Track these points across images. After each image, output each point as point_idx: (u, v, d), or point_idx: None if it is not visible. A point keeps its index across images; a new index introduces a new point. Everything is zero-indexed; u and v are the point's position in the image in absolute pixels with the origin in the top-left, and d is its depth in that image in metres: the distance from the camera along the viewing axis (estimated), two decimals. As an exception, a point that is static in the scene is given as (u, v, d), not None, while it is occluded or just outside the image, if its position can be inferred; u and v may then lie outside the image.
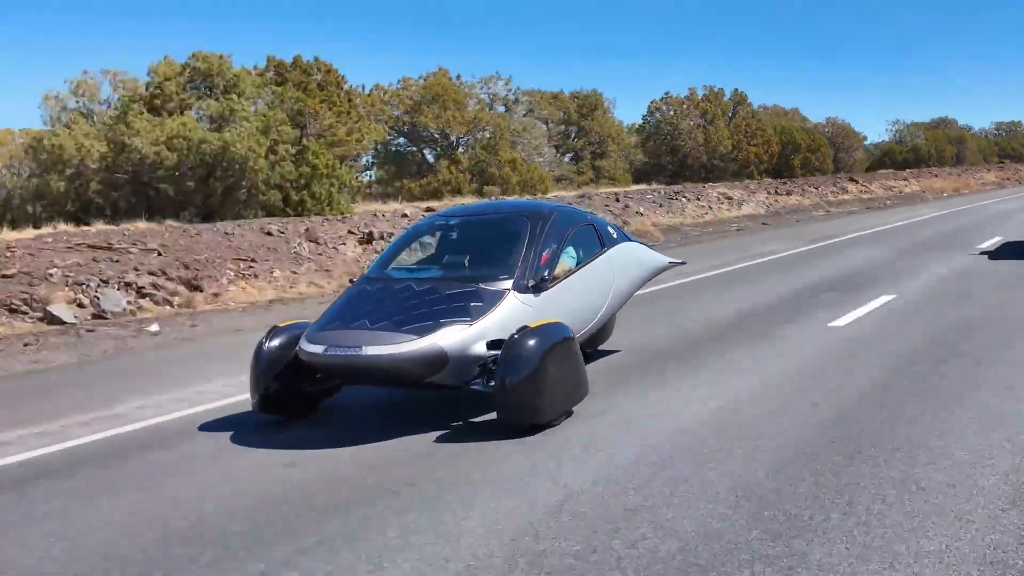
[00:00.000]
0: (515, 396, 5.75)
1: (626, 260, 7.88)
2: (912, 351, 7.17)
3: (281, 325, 6.74)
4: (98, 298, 11.09)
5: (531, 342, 5.84)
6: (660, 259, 8.60)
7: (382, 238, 16.46)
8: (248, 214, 18.32)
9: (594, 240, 7.57)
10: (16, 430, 6.32)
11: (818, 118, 59.80)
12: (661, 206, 26.09)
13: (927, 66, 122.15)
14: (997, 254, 14.07)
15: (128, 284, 11.62)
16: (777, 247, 17.89)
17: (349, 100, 21.77)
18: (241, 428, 6.21)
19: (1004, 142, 78.74)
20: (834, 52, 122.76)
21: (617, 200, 25.27)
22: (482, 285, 6.41)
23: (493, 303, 6.27)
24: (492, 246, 7.12)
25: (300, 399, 6.53)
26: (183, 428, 6.25)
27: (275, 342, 6.49)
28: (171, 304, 11.64)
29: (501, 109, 32.31)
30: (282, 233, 15.43)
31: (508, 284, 6.43)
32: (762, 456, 4.77)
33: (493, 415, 5.98)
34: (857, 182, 41.07)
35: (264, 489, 4.87)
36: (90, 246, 12.74)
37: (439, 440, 5.73)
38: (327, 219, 17.29)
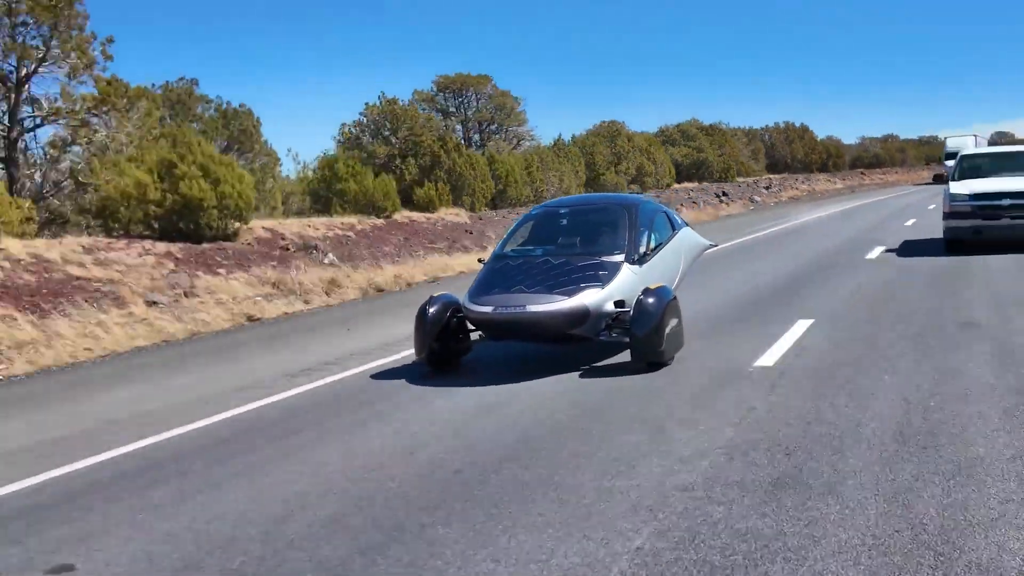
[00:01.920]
0: (645, 340, 7.67)
1: (688, 241, 10.08)
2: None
3: (435, 295, 8.61)
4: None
5: (653, 300, 7.77)
6: (705, 241, 10.90)
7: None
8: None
9: (667, 225, 9.57)
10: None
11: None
12: (806, 182, 62.01)
13: (872, 90, 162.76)
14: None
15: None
16: (885, 195, 52.49)
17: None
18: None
19: (928, 150, 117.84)
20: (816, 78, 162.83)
21: (797, 179, 61.10)
22: (603, 258, 8.26)
23: (615, 272, 8.11)
24: (601, 229, 8.92)
25: (452, 355, 8.42)
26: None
27: (434, 308, 8.29)
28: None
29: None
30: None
31: (622, 257, 8.31)
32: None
33: (598, 362, 8.17)
34: (865, 175, 78.26)
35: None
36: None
37: (583, 376, 7.77)
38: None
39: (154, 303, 13.11)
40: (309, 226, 20.06)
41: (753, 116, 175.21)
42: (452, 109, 34.86)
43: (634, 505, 4.75)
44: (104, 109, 18.27)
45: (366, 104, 29.50)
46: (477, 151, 33.75)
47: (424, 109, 33.26)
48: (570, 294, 7.76)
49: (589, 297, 7.80)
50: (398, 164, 28.79)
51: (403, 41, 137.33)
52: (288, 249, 17.96)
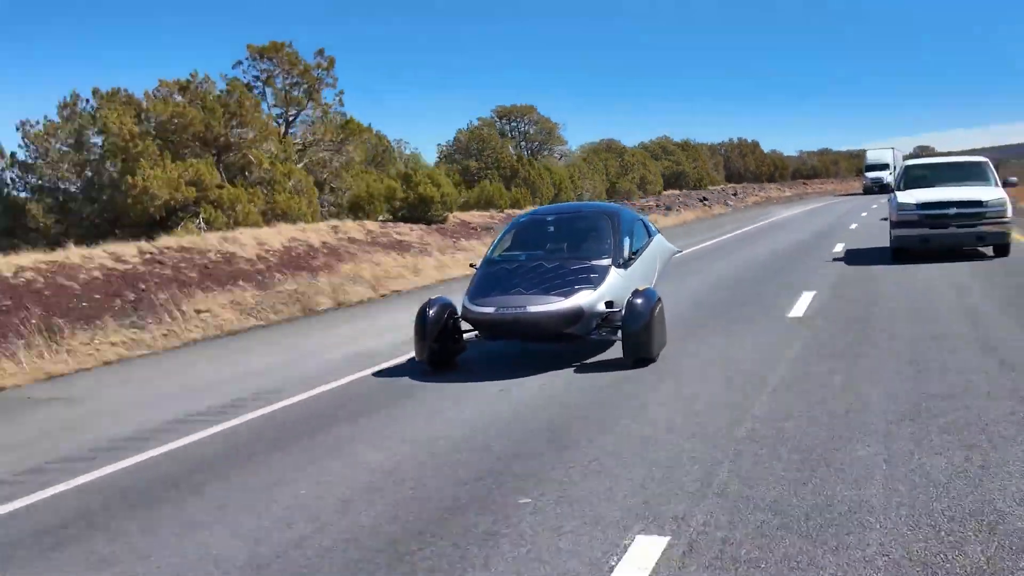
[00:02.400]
0: (636, 338, 8.13)
1: (661, 246, 10.83)
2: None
3: (431, 299, 8.98)
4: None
5: (642, 301, 8.27)
6: (674, 247, 11.70)
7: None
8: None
9: (643, 232, 10.16)
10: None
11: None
12: (761, 191, 73.17)
13: (808, 105, 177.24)
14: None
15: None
16: (829, 200, 64.48)
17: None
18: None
19: (858, 163, 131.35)
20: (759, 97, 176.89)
21: (753, 188, 72.14)
22: (592, 262, 8.72)
23: (604, 274, 8.60)
24: (586, 235, 9.41)
25: (450, 355, 8.82)
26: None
27: (432, 311, 8.66)
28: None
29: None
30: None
31: (609, 261, 8.80)
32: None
33: (588, 359, 8.76)
34: (807, 184, 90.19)
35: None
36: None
37: (577, 371, 8.31)
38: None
39: (453, 253, 22.76)
40: (470, 217, 29.78)
41: (707, 132, 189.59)
42: (507, 132, 44.83)
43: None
44: (350, 139, 27.79)
45: (459, 130, 39.38)
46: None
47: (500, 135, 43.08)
48: (566, 295, 8.28)
49: (584, 298, 8.33)
50: (485, 174, 38.54)
51: (401, 41, 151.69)
52: (476, 229, 27.67)
